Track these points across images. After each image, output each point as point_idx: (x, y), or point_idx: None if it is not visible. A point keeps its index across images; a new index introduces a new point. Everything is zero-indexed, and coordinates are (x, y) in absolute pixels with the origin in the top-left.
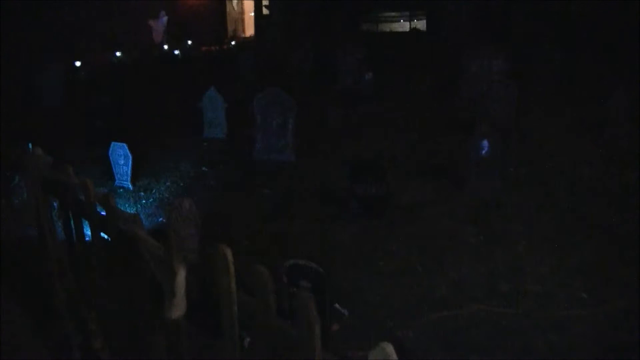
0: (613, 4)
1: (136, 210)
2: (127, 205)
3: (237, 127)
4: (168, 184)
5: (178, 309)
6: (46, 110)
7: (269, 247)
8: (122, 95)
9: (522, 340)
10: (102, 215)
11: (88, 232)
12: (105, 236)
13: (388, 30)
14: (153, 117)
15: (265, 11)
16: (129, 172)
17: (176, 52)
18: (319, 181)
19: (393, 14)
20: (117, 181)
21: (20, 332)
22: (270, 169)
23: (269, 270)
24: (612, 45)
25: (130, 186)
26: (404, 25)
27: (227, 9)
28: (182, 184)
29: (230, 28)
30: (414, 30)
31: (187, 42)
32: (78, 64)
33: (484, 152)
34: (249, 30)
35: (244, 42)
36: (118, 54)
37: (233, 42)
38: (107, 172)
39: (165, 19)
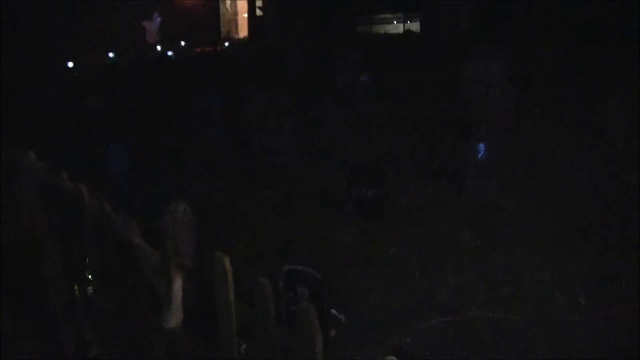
0: (612, 5)
1: (133, 211)
2: (124, 206)
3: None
4: (166, 185)
5: (175, 317)
6: (39, 111)
7: (265, 250)
8: (117, 96)
9: (522, 345)
10: (98, 220)
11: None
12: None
13: (382, 32)
14: (149, 118)
15: (258, 12)
16: (128, 173)
17: (169, 53)
18: (317, 183)
19: (387, 15)
20: (114, 183)
21: (17, 336)
22: (267, 169)
23: (267, 277)
24: (612, 46)
25: (128, 188)
26: (397, 27)
27: (221, 10)
28: (179, 184)
29: (224, 29)
30: (408, 31)
31: (180, 44)
32: (71, 64)
33: (482, 154)
34: (243, 32)
35: (237, 44)
36: (111, 54)
37: (227, 44)
38: (104, 174)
39: (159, 20)
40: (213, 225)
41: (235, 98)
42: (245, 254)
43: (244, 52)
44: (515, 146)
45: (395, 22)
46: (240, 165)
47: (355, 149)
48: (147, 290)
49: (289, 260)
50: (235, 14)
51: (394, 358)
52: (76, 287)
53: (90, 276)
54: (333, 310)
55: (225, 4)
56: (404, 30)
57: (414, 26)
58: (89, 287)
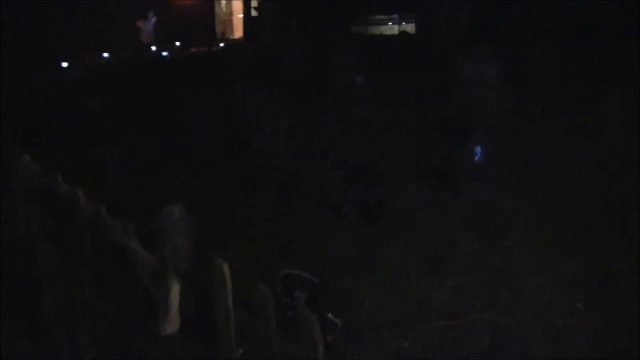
0: (611, 5)
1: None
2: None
3: None
4: (164, 188)
5: (172, 323)
6: (34, 112)
7: (261, 253)
8: (112, 96)
9: (521, 350)
10: (94, 224)
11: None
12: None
13: (378, 33)
14: (144, 119)
15: (254, 13)
16: (125, 176)
17: (164, 53)
18: (313, 185)
19: (382, 17)
20: (112, 186)
21: (16, 338)
22: (263, 171)
23: (263, 280)
24: (610, 47)
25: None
26: (392, 28)
27: (216, 11)
28: (175, 186)
29: (219, 30)
30: (403, 33)
31: (175, 44)
32: (65, 64)
33: (478, 156)
34: (238, 32)
35: (233, 44)
36: (106, 55)
37: (222, 44)
38: (100, 177)
39: (154, 20)
40: (209, 228)
41: (231, 99)
42: (241, 257)
43: (239, 53)
44: (513, 148)
45: (389, 23)
46: (236, 167)
47: (352, 151)
48: (143, 295)
49: (285, 263)
50: (231, 14)
51: None
52: (71, 291)
53: (85, 280)
54: (330, 315)
55: (220, 4)
56: (399, 32)
57: (409, 27)
58: (85, 291)
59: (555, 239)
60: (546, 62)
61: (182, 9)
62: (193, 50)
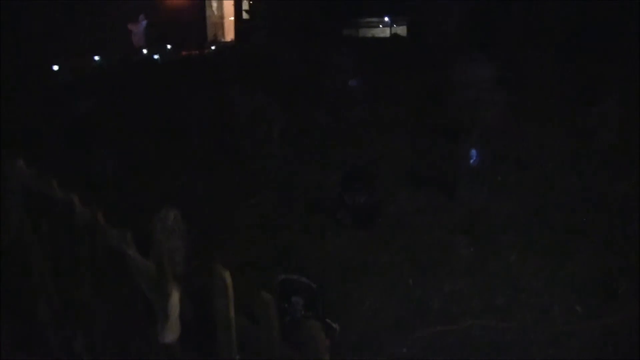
0: (604, 7)
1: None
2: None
3: None
4: (157, 191)
5: (172, 331)
6: (26, 115)
7: (256, 259)
8: (103, 100)
9: (519, 355)
10: (90, 231)
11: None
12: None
13: (370, 35)
14: (136, 122)
15: (245, 15)
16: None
17: (156, 56)
18: (307, 189)
19: (374, 19)
20: (104, 190)
21: (13, 342)
22: (256, 175)
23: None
24: (603, 49)
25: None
26: (384, 31)
27: (207, 13)
28: (170, 190)
29: (210, 32)
30: (395, 35)
31: (166, 47)
32: (56, 67)
33: (473, 160)
34: (229, 35)
35: (224, 47)
36: (97, 58)
37: (213, 47)
38: (92, 181)
39: (145, 22)
40: (204, 232)
41: (223, 101)
42: (237, 261)
43: (231, 55)
44: (508, 151)
45: (381, 26)
46: (229, 171)
47: (346, 154)
48: (141, 303)
49: (281, 267)
50: (222, 17)
51: None
52: (67, 297)
53: (82, 286)
54: (327, 320)
55: (211, 7)
56: (391, 34)
57: (400, 30)
58: (81, 298)
59: (553, 242)
60: (539, 64)
61: (173, 12)
62: (184, 53)
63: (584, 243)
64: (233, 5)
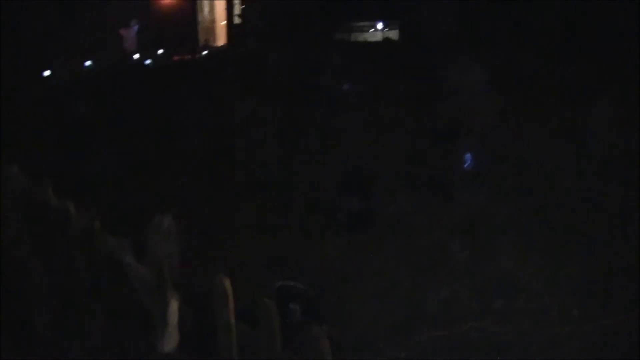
0: (595, 9)
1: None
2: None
3: None
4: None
5: (171, 340)
6: (16, 121)
7: (252, 264)
8: (94, 105)
9: (518, 358)
10: (87, 238)
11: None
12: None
13: (362, 39)
14: (129, 127)
15: (237, 20)
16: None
17: (147, 61)
18: (303, 193)
19: (365, 23)
20: (97, 196)
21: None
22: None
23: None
24: (596, 50)
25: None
26: (375, 35)
27: (199, 18)
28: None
29: (201, 37)
30: (387, 39)
31: (158, 52)
32: (47, 73)
33: (468, 163)
34: (221, 39)
35: (216, 51)
36: (88, 63)
37: (205, 52)
38: (84, 186)
39: (136, 27)
40: (199, 238)
41: (215, 105)
42: (232, 266)
43: (223, 60)
44: (505, 152)
45: (372, 29)
46: (223, 176)
47: (343, 157)
48: (139, 311)
49: (278, 271)
50: (213, 21)
51: None
52: (62, 307)
53: (78, 295)
54: (324, 326)
55: (203, 11)
56: (383, 38)
57: (392, 34)
58: (78, 306)
59: (547, 245)
60: (533, 65)
61: (164, 17)
62: (176, 57)
63: (582, 244)
64: (225, 9)
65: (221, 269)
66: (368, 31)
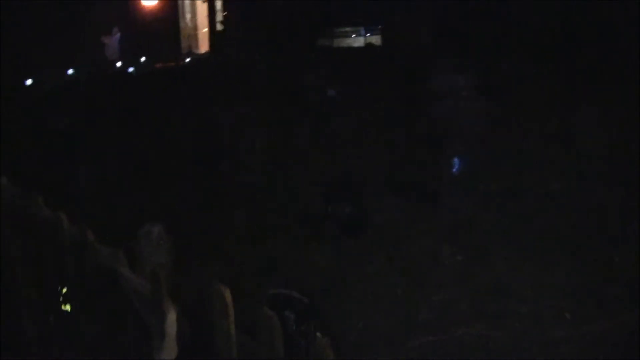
0: (582, 15)
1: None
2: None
3: None
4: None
5: (169, 352)
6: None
7: (243, 272)
8: (75, 114)
9: None
10: (79, 249)
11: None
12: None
13: (345, 45)
14: (113, 135)
15: (219, 27)
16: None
17: (130, 69)
18: (291, 201)
19: (348, 29)
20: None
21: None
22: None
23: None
24: (581, 55)
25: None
26: (358, 40)
27: (181, 25)
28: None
29: (184, 44)
30: (369, 45)
31: (141, 59)
32: (29, 82)
33: (455, 168)
34: (204, 47)
35: (199, 59)
36: (70, 71)
37: (188, 59)
38: (85, 195)
39: (118, 35)
40: (189, 247)
41: (199, 113)
42: (224, 274)
43: (205, 67)
44: (494, 159)
45: (354, 35)
46: (209, 185)
47: (329, 166)
48: (134, 323)
49: (268, 279)
50: (196, 28)
51: None
52: (52, 319)
53: (68, 307)
54: (318, 334)
55: (185, 19)
56: (366, 44)
57: (375, 39)
58: (69, 318)
59: (536, 249)
60: (516, 72)
61: (146, 24)
62: (159, 65)
63: (574, 248)
64: (207, 16)
65: (213, 278)
66: (351, 37)
